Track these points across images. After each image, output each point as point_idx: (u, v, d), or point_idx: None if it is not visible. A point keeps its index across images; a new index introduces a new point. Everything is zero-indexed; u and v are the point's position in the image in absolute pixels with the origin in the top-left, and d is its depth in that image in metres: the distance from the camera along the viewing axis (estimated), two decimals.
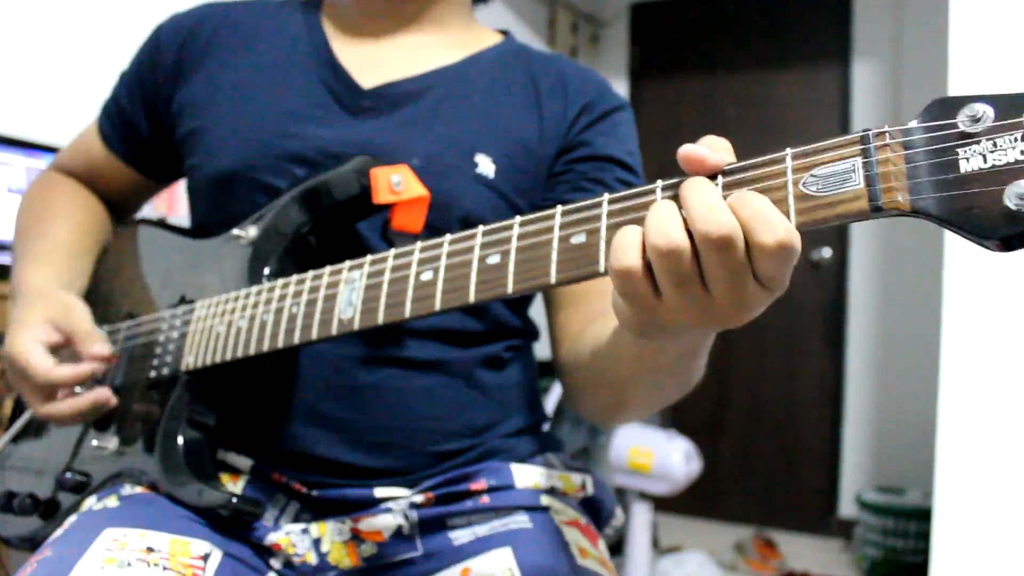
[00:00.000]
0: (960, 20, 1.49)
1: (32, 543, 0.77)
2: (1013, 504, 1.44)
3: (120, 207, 0.95)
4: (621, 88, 3.61)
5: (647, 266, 0.44)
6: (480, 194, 0.76)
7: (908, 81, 3.05)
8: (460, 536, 0.73)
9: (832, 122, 3.24)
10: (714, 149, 0.45)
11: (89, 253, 0.88)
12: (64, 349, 0.75)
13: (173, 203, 1.75)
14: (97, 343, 0.75)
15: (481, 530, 0.73)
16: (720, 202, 0.42)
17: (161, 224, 0.89)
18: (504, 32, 0.89)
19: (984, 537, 1.46)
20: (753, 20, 3.40)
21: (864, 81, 3.19)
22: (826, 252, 3.18)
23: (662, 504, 2.47)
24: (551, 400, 2.19)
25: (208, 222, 0.81)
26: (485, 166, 0.76)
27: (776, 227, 0.41)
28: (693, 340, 0.54)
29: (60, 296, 0.78)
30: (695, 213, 0.42)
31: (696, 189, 0.43)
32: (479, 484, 0.75)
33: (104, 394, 0.74)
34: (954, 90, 1.49)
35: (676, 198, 0.44)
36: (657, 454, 2.15)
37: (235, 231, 0.75)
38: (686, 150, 0.44)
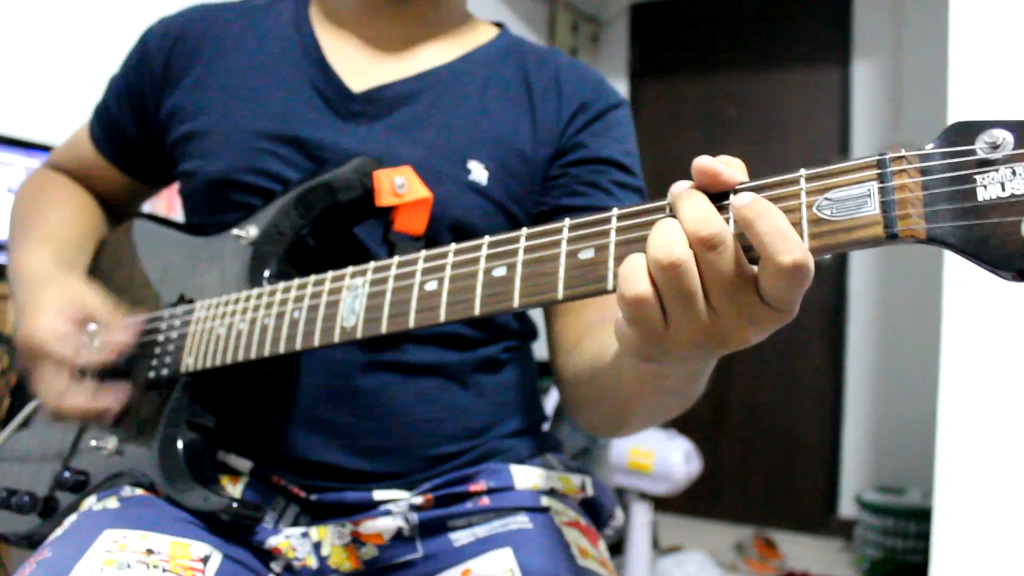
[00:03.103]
0: (960, 20, 1.49)
1: (30, 541, 0.77)
2: (1013, 504, 1.43)
3: (114, 207, 0.94)
4: (621, 88, 3.61)
5: (657, 292, 0.43)
6: (472, 201, 0.75)
7: (908, 81, 3.05)
8: (460, 537, 0.73)
9: (832, 122, 3.24)
10: (728, 166, 0.44)
11: (87, 242, 0.87)
12: (83, 334, 0.73)
13: (173, 204, 1.75)
14: (119, 329, 0.73)
15: (481, 531, 0.73)
16: (712, 209, 0.42)
17: (157, 219, 0.88)
18: (499, 25, 0.88)
19: (984, 537, 1.46)
20: (753, 20, 3.40)
21: (864, 81, 3.18)
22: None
23: (662, 504, 2.47)
24: (551, 401, 2.19)
25: (204, 226, 0.80)
26: (478, 173, 0.75)
27: (793, 247, 0.40)
28: (696, 365, 0.53)
29: (70, 282, 0.76)
30: (685, 215, 0.42)
31: (688, 198, 0.43)
32: (478, 486, 0.75)
33: (116, 402, 0.72)
34: (954, 90, 1.49)
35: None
36: (657, 454, 2.15)
37: (235, 231, 0.74)
38: (702, 162, 0.44)
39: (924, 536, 2.42)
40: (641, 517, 2.23)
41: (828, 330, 3.22)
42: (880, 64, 3.14)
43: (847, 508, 3.14)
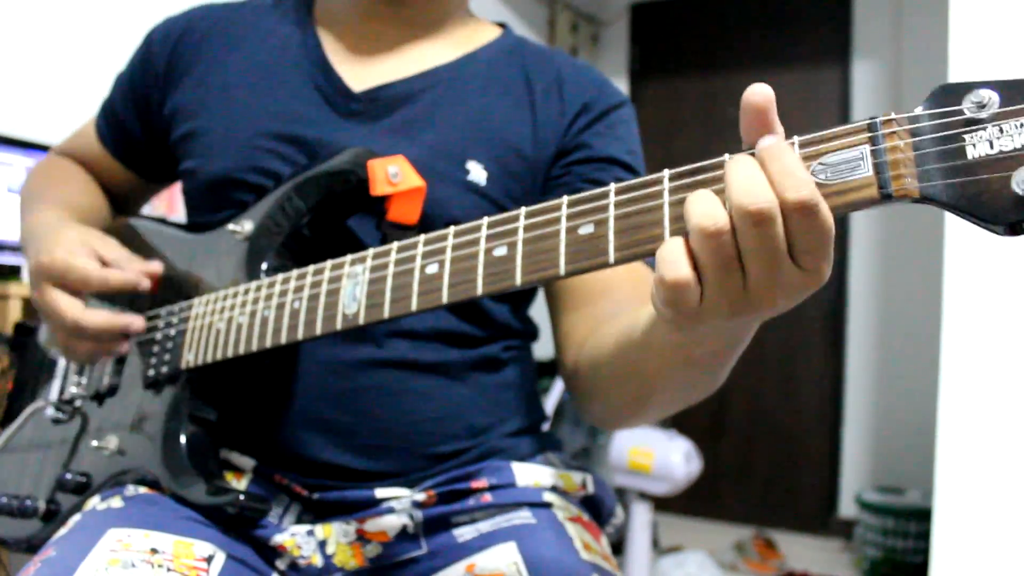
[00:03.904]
0: (960, 20, 1.49)
1: (31, 545, 0.77)
2: (1013, 504, 1.44)
3: (119, 202, 0.95)
4: (621, 88, 3.60)
5: (697, 275, 0.44)
6: (471, 202, 0.75)
7: (908, 81, 3.05)
8: (464, 533, 0.73)
9: (832, 122, 3.21)
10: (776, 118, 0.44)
11: (94, 215, 0.88)
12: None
13: (173, 204, 1.75)
14: (137, 265, 0.74)
15: (484, 526, 0.73)
16: (762, 178, 0.42)
17: (152, 219, 0.89)
18: (502, 25, 0.88)
19: (984, 537, 1.46)
20: (753, 20, 3.40)
21: (864, 81, 3.19)
22: None
23: (662, 504, 2.47)
24: (551, 400, 2.19)
25: (205, 224, 0.80)
26: (476, 173, 0.75)
27: (800, 184, 0.41)
28: (729, 335, 0.52)
29: (85, 228, 0.77)
30: (734, 187, 0.42)
31: (740, 165, 0.43)
32: (480, 483, 0.75)
33: (139, 321, 0.74)
34: None
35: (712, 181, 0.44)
36: (657, 454, 2.15)
37: (230, 226, 0.74)
38: (753, 92, 0.44)
39: (924, 536, 2.42)
40: (641, 517, 2.23)
41: (828, 330, 3.23)
42: (880, 64, 3.15)
43: (847, 508, 3.14)
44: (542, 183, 0.79)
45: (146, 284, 0.75)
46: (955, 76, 1.49)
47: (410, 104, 0.77)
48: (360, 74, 0.79)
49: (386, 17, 0.81)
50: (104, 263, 0.74)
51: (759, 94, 0.44)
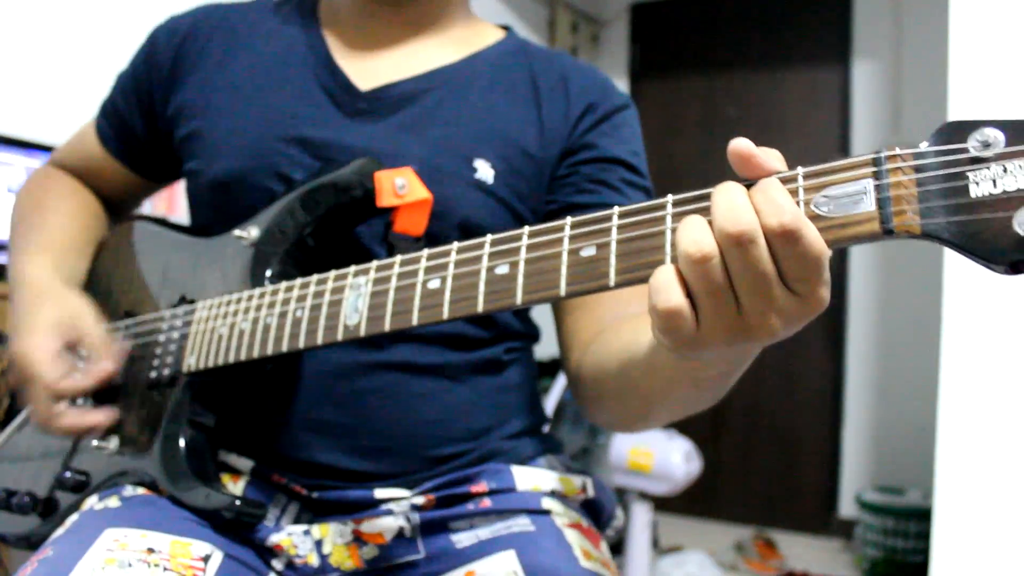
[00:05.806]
0: (960, 20, 1.49)
1: (29, 542, 0.77)
2: (1013, 504, 1.44)
3: (117, 205, 0.95)
4: (621, 88, 3.61)
5: (690, 302, 0.44)
6: (479, 200, 0.75)
7: (908, 81, 3.05)
8: (462, 539, 0.73)
9: (832, 122, 3.24)
10: (764, 152, 0.45)
11: (87, 247, 0.88)
12: (73, 352, 0.75)
13: (173, 203, 1.75)
14: (106, 357, 0.74)
15: (483, 532, 0.73)
16: (745, 202, 0.43)
17: (159, 221, 0.88)
18: (505, 27, 0.88)
19: (984, 537, 1.46)
20: (753, 20, 3.40)
21: (864, 81, 3.19)
22: None
23: (662, 504, 2.47)
24: (551, 400, 2.19)
25: (209, 225, 0.80)
26: (484, 171, 0.76)
27: (782, 212, 0.41)
28: (732, 359, 0.52)
29: (68, 298, 0.77)
30: (716, 212, 0.43)
31: (724, 191, 0.44)
32: (480, 487, 0.75)
33: (105, 418, 0.74)
34: (954, 90, 1.49)
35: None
36: (657, 454, 2.15)
37: (236, 231, 0.74)
38: (735, 143, 0.44)
39: (924, 536, 2.42)
40: (641, 517, 2.23)
41: (828, 330, 3.23)
42: (880, 64, 3.15)
43: (847, 508, 3.14)
44: (548, 182, 0.79)
45: (109, 376, 0.75)
46: (955, 77, 1.49)
47: (416, 103, 0.77)
48: (366, 73, 0.79)
49: (388, 17, 0.81)
50: (73, 347, 0.74)
51: (739, 144, 0.44)
